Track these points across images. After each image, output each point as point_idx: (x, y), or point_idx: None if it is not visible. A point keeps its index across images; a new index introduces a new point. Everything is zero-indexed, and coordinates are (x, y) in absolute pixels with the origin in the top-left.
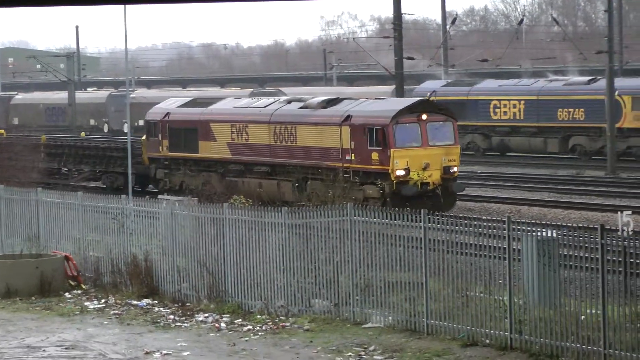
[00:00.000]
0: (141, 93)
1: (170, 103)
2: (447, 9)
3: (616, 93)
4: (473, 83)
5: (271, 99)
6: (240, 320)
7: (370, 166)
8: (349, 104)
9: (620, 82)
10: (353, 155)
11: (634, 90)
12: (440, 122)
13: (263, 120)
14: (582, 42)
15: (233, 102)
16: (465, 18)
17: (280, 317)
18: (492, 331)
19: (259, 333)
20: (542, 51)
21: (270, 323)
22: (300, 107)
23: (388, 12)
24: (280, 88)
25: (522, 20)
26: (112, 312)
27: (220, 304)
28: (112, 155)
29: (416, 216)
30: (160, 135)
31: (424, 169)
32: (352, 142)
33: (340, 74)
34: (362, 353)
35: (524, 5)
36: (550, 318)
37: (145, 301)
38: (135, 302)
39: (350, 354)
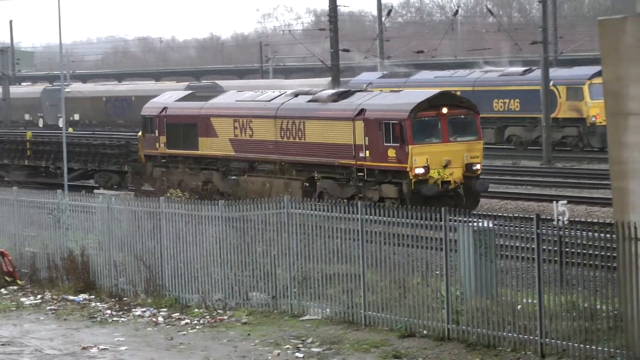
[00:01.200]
0: (76, 87)
1: (167, 97)
2: (383, 0)
3: (551, 83)
4: (409, 74)
5: (276, 92)
6: (177, 314)
7: (386, 164)
8: (361, 96)
9: (555, 72)
10: (367, 152)
11: (569, 80)
12: (462, 116)
13: (268, 114)
14: (517, 33)
15: (235, 95)
16: (401, 10)
17: (218, 311)
18: (429, 322)
19: (197, 327)
20: (477, 42)
21: (208, 317)
22: (309, 101)
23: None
24: (217, 81)
25: (457, 11)
26: (48, 307)
27: (158, 298)
28: (106, 152)
29: (353, 208)
30: (157, 131)
31: (445, 166)
32: (367, 138)
33: (276, 66)
34: (300, 345)
35: None
36: (487, 308)
37: (82, 296)
38: (71, 298)
39: (288, 346)
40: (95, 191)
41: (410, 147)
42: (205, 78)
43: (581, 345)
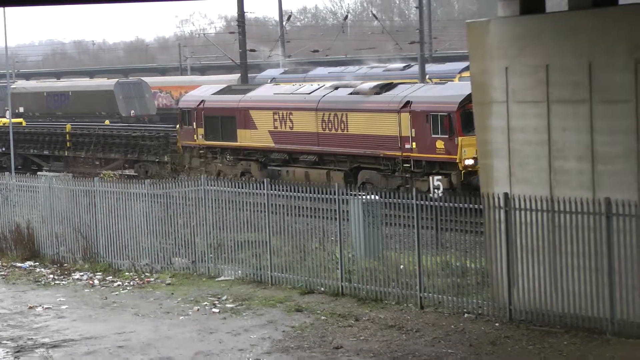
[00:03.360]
0: (21, 84)
1: (204, 90)
2: (284, 7)
3: (427, 77)
4: (307, 70)
5: (315, 85)
6: (111, 277)
7: (434, 155)
8: (405, 89)
9: (430, 67)
10: (414, 143)
11: (442, 74)
12: None
13: (309, 107)
14: (398, 34)
15: (273, 88)
16: (299, 15)
17: (146, 274)
18: (326, 281)
19: (128, 288)
20: (364, 42)
21: (137, 279)
22: (351, 93)
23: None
24: (142, 78)
25: (346, 16)
26: None
27: (94, 264)
28: (146, 144)
29: (260, 185)
30: (194, 123)
31: None
32: (413, 130)
33: (193, 64)
34: (216, 302)
35: (348, 4)
36: (374, 268)
37: (28, 263)
38: (19, 265)
39: (205, 303)
40: (39, 173)
41: (459, 138)
42: (132, 75)
43: (454, 298)
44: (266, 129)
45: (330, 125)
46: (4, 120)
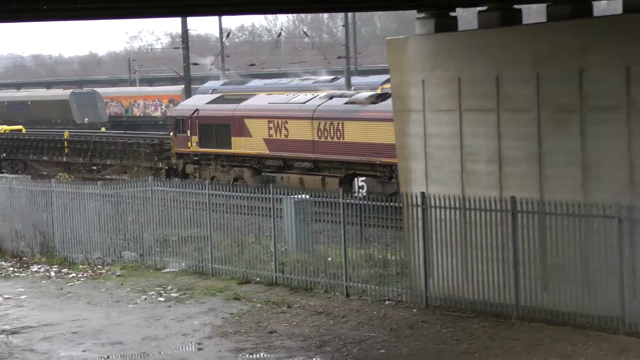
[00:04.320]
0: None
1: (197, 100)
2: (223, 25)
3: (352, 88)
4: (245, 82)
5: (309, 95)
6: (66, 269)
7: None
8: None
9: (355, 79)
10: None
11: (366, 85)
12: None
13: (305, 116)
14: (326, 50)
15: (267, 98)
16: (238, 32)
17: (98, 266)
18: (261, 272)
19: (81, 279)
20: (296, 57)
21: (90, 271)
22: (346, 103)
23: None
24: (95, 89)
25: (280, 33)
26: None
27: (50, 258)
28: (140, 150)
29: (201, 185)
30: (189, 131)
31: None
32: None
33: (141, 77)
34: (162, 291)
35: (282, 22)
36: (305, 260)
37: None
38: None
39: (152, 292)
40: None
41: None
42: (86, 86)
43: (376, 287)
44: (261, 136)
45: (326, 133)
46: (4, 127)
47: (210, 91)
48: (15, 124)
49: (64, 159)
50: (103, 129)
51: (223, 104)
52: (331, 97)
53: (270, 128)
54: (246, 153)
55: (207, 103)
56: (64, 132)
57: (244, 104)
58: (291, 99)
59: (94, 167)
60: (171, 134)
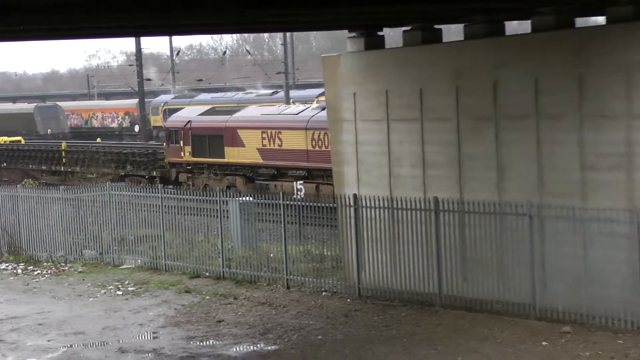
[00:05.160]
0: None
1: (189, 112)
2: (174, 44)
3: (291, 101)
4: (193, 96)
5: (301, 107)
6: (32, 267)
7: None
8: None
9: (294, 93)
10: None
11: (303, 98)
12: None
13: (299, 126)
14: (267, 66)
15: (259, 110)
16: (187, 51)
17: (61, 264)
18: (210, 267)
19: (46, 275)
20: (240, 73)
21: (54, 268)
22: None
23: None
24: (57, 103)
25: (225, 52)
26: None
27: (17, 256)
28: (135, 160)
29: (155, 189)
30: (181, 141)
31: None
32: None
33: (99, 91)
34: (120, 286)
35: (227, 41)
36: (249, 256)
37: None
38: None
39: (111, 287)
40: None
41: None
42: (48, 100)
43: (314, 279)
44: (254, 146)
45: (320, 143)
46: (4, 138)
47: (162, 104)
48: None
49: (62, 168)
50: (98, 139)
51: (215, 116)
52: (323, 109)
53: (263, 138)
54: (240, 162)
55: (200, 115)
56: (61, 142)
57: (237, 116)
58: (284, 110)
59: (90, 176)
60: (164, 144)
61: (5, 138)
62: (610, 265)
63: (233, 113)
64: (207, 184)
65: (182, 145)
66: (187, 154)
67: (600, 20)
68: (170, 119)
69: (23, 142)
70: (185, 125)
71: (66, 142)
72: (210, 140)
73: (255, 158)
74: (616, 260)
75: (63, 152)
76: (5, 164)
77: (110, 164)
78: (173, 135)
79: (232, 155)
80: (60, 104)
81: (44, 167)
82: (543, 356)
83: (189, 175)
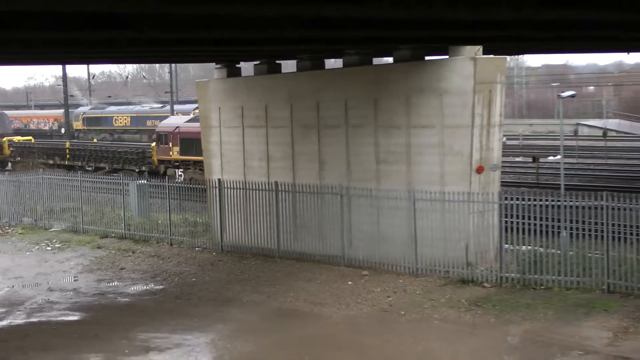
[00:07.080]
0: None
1: (177, 119)
2: (90, 71)
3: (175, 112)
4: (105, 107)
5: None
6: None
7: None
8: None
9: (177, 107)
10: None
11: (184, 111)
12: None
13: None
14: (158, 87)
15: None
16: (100, 75)
17: (5, 227)
18: (115, 230)
19: None
20: (138, 91)
21: (0, 230)
22: None
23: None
24: (4, 111)
25: (127, 76)
26: None
27: None
28: (127, 157)
29: (76, 174)
30: (170, 143)
31: None
32: None
33: (36, 104)
34: (49, 243)
35: (129, 69)
36: (144, 222)
37: None
38: None
39: (43, 244)
40: None
41: None
42: None
43: (190, 239)
44: None
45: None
46: (17, 137)
47: (82, 113)
48: None
49: (66, 163)
50: (95, 140)
51: (199, 122)
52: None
53: None
54: None
55: (186, 122)
56: (65, 142)
57: None
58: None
59: (89, 169)
60: (152, 144)
61: (19, 137)
62: (394, 229)
63: None
64: (193, 177)
65: (171, 145)
66: (176, 152)
67: (389, 59)
68: (160, 125)
69: (33, 140)
70: (174, 130)
71: (70, 142)
72: (196, 142)
73: None
74: (398, 225)
75: (67, 150)
76: (19, 158)
77: (107, 160)
78: (163, 138)
79: None
80: (6, 112)
81: (51, 162)
82: (349, 291)
83: (176, 170)
